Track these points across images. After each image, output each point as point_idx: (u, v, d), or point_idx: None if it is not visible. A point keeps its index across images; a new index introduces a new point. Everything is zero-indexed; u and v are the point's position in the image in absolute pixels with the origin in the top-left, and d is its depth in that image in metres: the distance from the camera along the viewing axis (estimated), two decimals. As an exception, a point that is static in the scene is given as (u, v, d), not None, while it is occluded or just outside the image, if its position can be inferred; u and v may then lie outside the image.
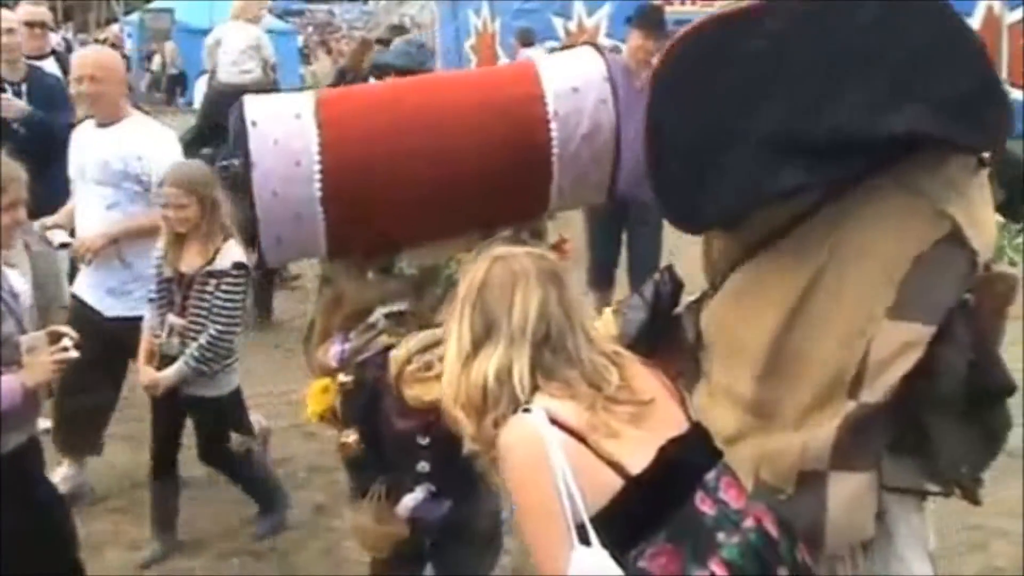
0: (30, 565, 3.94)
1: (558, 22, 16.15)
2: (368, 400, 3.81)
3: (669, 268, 3.67)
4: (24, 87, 6.96)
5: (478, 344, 2.62)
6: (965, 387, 3.07)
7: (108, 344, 5.25)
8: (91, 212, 5.59)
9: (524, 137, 3.81)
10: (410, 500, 3.81)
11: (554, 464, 2.43)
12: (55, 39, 16.43)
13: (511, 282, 2.63)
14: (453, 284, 3.38)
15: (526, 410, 2.52)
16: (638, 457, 2.51)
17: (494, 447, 2.57)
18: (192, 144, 8.62)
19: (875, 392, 3.04)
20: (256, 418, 5.79)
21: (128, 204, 5.57)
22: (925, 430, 3.13)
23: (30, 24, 7.62)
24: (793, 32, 3.06)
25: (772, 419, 3.22)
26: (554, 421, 2.49)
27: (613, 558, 2.42)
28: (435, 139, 3.76)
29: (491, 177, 3.79)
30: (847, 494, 3.09)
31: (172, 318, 5.00)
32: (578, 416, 2.52)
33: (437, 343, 3.39)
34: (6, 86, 6.84)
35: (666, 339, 3.49)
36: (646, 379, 2.71)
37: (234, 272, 4.95)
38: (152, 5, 30.52)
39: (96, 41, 19.05)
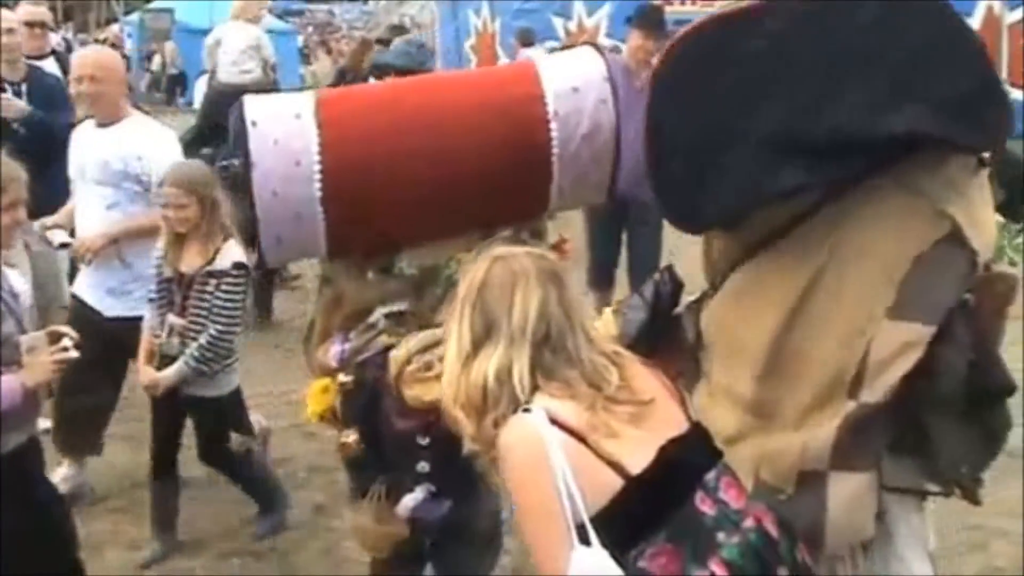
0: (30, 565, 3.94)
1: (558, 22, 16.15)
2: (368, 400, 3.80)
3: (669, 268, 3.67)
4: (24, 87, 6.96)
5: (478, 344, 2.62)
6: (965, 387, 3.06)
7: (108, 344, 5.25)
8: (91, 212, 5.58)
9: (524, 137, 3.81)
10: (410, 500, 3.81)
11: (554, 464, 2.43)
12: (55, 39, 16.43)
13: (511, 282, 2.63)
14: (453, 284, 3.38)
15: (526, 410, 2.52)
16: (638, 457, 2.51)
17: (494, 447, 2.57)
18: (192, 144, 8.63)
19: (875, 392, 3.04)
20: (256, 418, 5.79)
21: (128, 204, 5.56)
22: (925, 430, 3.13)
23: (30, 24, 7.61)
24: (793, 32, 3.06)
25: (772, 419, 3.22)
26: (554, 421, 2.49)
27: (613, 558, 2.42)
28: (435, 139, 3.76)
29: (491, 177, 3.79)
30: (847, 494, 3.08)
31: (172, 318, 4.99)
32: (578, 416, 2.52)
33: (437, 343, 3.38)
34: (6, 86, 6.83)
35: (666, 339, 3.49)
36: (646, 379, 2.71)
37: (234, 272, 4.95)
38: (152, 5, 30.51)
39: (96, 41, 19.06)
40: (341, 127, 3.74)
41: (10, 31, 7.01)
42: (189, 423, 5.34)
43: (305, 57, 28.32)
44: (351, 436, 3.84)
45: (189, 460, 5.47)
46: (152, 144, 5.62)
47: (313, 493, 5.95)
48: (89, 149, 5.61)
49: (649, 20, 7.79)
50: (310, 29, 34.95)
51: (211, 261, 4.96)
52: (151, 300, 5.11)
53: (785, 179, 3.02)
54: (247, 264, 5.03)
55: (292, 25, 31.60)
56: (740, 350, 3.28)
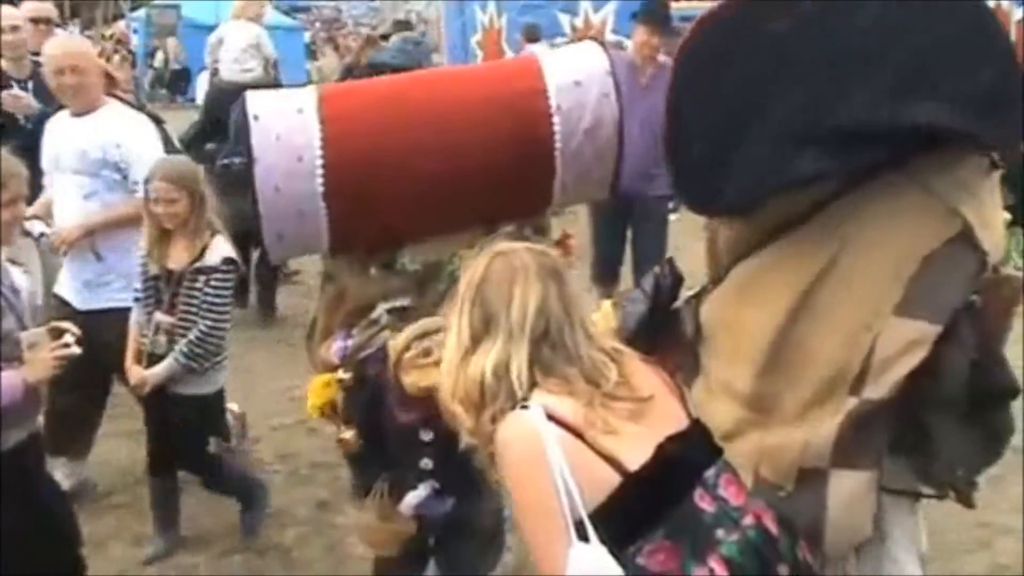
0: (32, 563, 3.94)
1: (564, 18, 16.11)
2: (371, 397, 3.79)
3: (670, 261, 3.66)
4: (30, 84, 6.94)
5: (477, 339, 2.62)
6: (968, 388, 3.06)
7: (87, 339, 5.11)
8: (68, 202, 5.51)
9: (527, 132, 3.80)
10: (413, 497, 3.80)
11: (551, 460, 2.42)
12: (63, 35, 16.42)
13: (510, 278, 2.63)
14: (456, 280, 3.36)
15: (524, 406, 2.52)
16: (636, 453, 2.50)
17: (492, 442, 2.56)
18: (195, 140, 8.63)
19: (879, 389, 3.04)
20: (230, 406, 5.74)
21: (106, 193, 5.49)
22: (926, 430, 3.13)
23: (35, 20, 7.58)
24: (819, 16, 3.04)
25: (771, 414, 3.21)
26: (552, 417, 2.48)
27: (611, 554, 2.42)
28: (438, 134, 3.75)
29: (494, 172, 3.78)
30: (847, 493, 3.08)
31: (160, 316, 4.94)
32: (576, 412, 2.51)
33: (436, 330, 3.38)
34: (12, 83, 6.83)
35: (665, 333, 3.48)
36: (646, 376, 2.70)
37: (223, 268, 4.92)
38: (158, 1, 30.52)
39: (103, 37, 19.06)
40: (344, 122, 3.73)
41: (14, 28, 6.98)
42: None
43: (312, 53, 28.34)
44: (349, 432, 3.83)
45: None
46: (130, 132, 5.57)
47: (316, 489, 5.94)
48: (65, 139, 5.53)
49: (654, 16, 7.77)
50: (317, 25, 35.01)
51: (199, 257, 4.92)
52: (137, 299, 5.05)
53: (805, 165, 3.01)
54: (236, 260, 5.02)
55: (299, 21, 31.63)
56: (742, 342, 3.28)
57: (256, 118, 3.68)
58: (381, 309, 3.83)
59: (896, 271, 3.05)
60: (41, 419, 4.20)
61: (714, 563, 2.48)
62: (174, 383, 4.96)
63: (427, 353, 3.42)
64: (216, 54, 10.99)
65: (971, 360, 3.05)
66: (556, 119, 3.80)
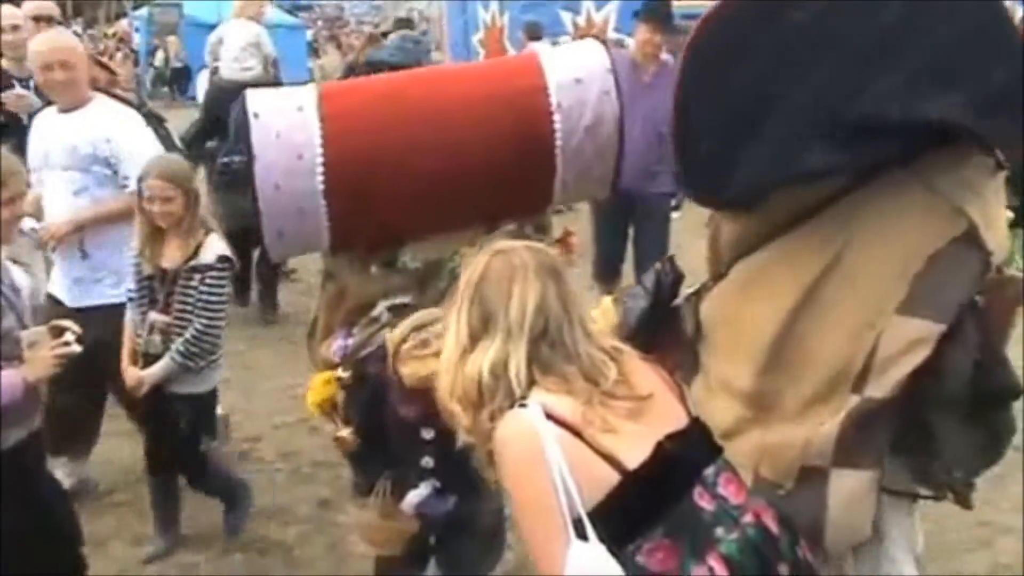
0: (32, 562, 3.93)
1: (566, 16, 16.08)
2: (372, 394, 3.79)
3: (671, 259, 3.66)
4: (31, 83, 6.92)
5: (476, 338, 2.61)
6: (970, 388, 3.05)
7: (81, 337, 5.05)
8: (59, 199, 5.44)
9: (527, 129, 3.80)
10: (415, 496, 3.80)
11: (550, 459, 2.42)
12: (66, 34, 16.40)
13: (509, 276, 2.62)
14: (456, 278, 3.36)
15: (522, 405, 2.51)
16: (635, 452, 2.50)
17: (490, 441, 2.56)
18: (196, 139, 8.63)
19: (881, 387, 3.04)
20: None
21: (96, 189, 5.45)
22: (928, 430, 3.12)
23: (37, 19, 7.56)
24: (835, 9, 3.03)
25: (771, 411, 3.21)
26: (550, 416, 2.48)
27: (610, 553, 2.41)
28: (438, 132, 3.75)
29: (494, 170, 3.78)
30: (848, 492, 3.07)
31: (155, 315, 4.91)
32: (574, 411, 2.50)
33: (433, 322, 3.38)
34: (14, 82, 6.82)
35: (665, 331, 3.47)
36: (645, 374, 2.69)
37: (219, 266, 4.89)
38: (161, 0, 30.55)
39: (105, 36, 19.10)
40: (344, 120, 3.73)
41: (15, 28, 6.96)
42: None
43: (314, 51, 28.34)
44: (347, 431, 3.83)
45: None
46: (119, 127, 5.53)
47: (318, 488, 5.93)
48: (54, 135, 5.48)
49: (656, 14, 7.78)
50: (319, 23, 35.04)
51: (193, 255, 4.88)
52: (131, 299, 5.01)
53: (815, 158, 3.00)
54: (231, 257, 5.00)
55: (301, 19, 31.64)
56: (744, 339, 3.27)
57: (256, 116, 3.68)
58: (382, 307, 3.83)
59: (901, 269, 3.05)
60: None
61: (713, 561, 2.47)
62: (170, 382, 4.93)
63: (424, 344, 3.41)
64: (216, 53, 11.03)
65: (975, 360, 3.05)
66: (557, 116, 3.80)
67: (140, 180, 4.87)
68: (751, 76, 3.07)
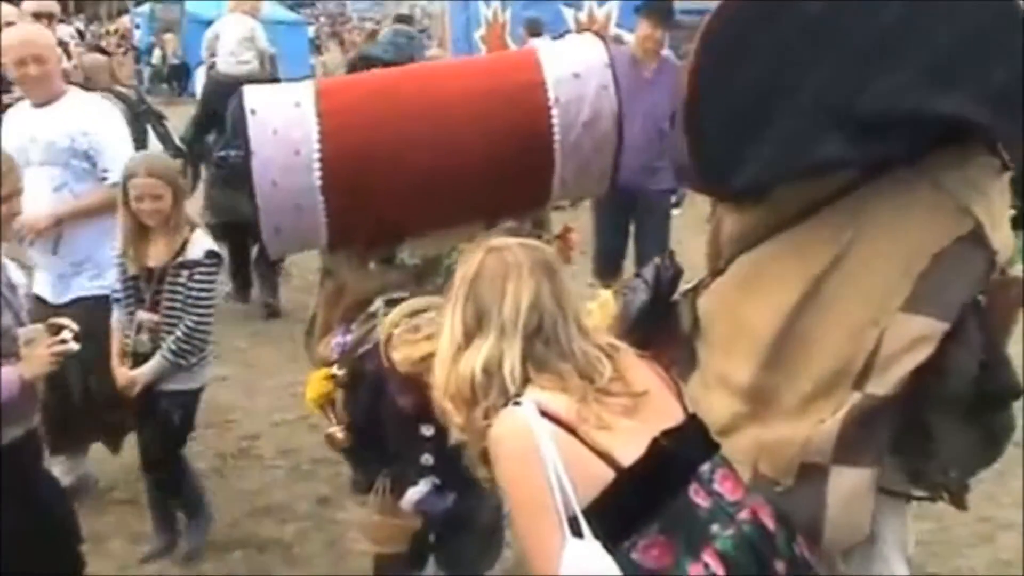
0: (31, 560, 3.92)
1: (568, 12, 16.07)
2: (370, 392, 3.77)
3: (670, 254, 3.66)
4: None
5: (470, 335, 2.61)
6: (973, 388, 3.04)
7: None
8: (39, 196, 5.28)
9: (525, 125, 3.79)
10: (414, 493, 3.79)
11: (545, 456, 2.41)
12: (68, 30, 16.44)
13: (503, 274, 2.62)
14: (453, 274, 3.35)
15: (517, 402, 2.50)
16: (630, 449, 2.49)
17: (484, 439, 2.55)
18: (195, 137, 8.61)
19: (883, 384, 3.03)
20: None
21: (76, 183, 5.43)
22: (926, 430, 3.11)
23: (37, 16, 7.57)
24: (836, 8, 3.02)
25: (769, 407, 3.20)
26: (544, 413, 2.47)
27: (605, 550, 2.40)
28: (437, 127, 3.74)
29: (492, 165, 3.77)
30: (847, 490, 3.06)
31: (142, 314, 4.87)
32: (569, 408, 2.49)
33: (426, 308, 3.37)
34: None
35: (662, 328, 3.46)
36: (641, 371, 2.68)
37: (207, 261, 4.87)
38: (162, -4, 30.54)
39: (106, 32, 19.06)
40: (341, 116, 3.72)
41: (10, 25, 6.95)
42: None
43: (316, 48, 28.35)
44: (338, 428, 3.82)
45: (191, 452, 5.45)
46: (96, 119, 5.51)
47: (318, 485, 5.93)
48: (30, 131, 5.40)
49: (657, 10, 7.78)
50: (321, 20, 35.06)
51: (180, 252, 4.84)
52: (116, 300, 4.97)
53: (825, 150, 3.00)
54: (218, 252, 4.99)
55: (302, 16, 31.62)
56: (745, 334, 3.26)
57: (253, 112, 3.67)
58: (379, 302, 3.81)
59: (905, 267, 3.04)
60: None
61: (709, 558, 2.46)
62: (163, 380, 4.89)
63: (416, 329, 3.39)
64: (213, 48, 11.06)
65: (980, 361, 3.04)
66: (555, 112, 3.78)
67: (126, 179, 4.81)
68: (756, 73, 3.06)
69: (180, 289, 4.82)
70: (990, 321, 3.12)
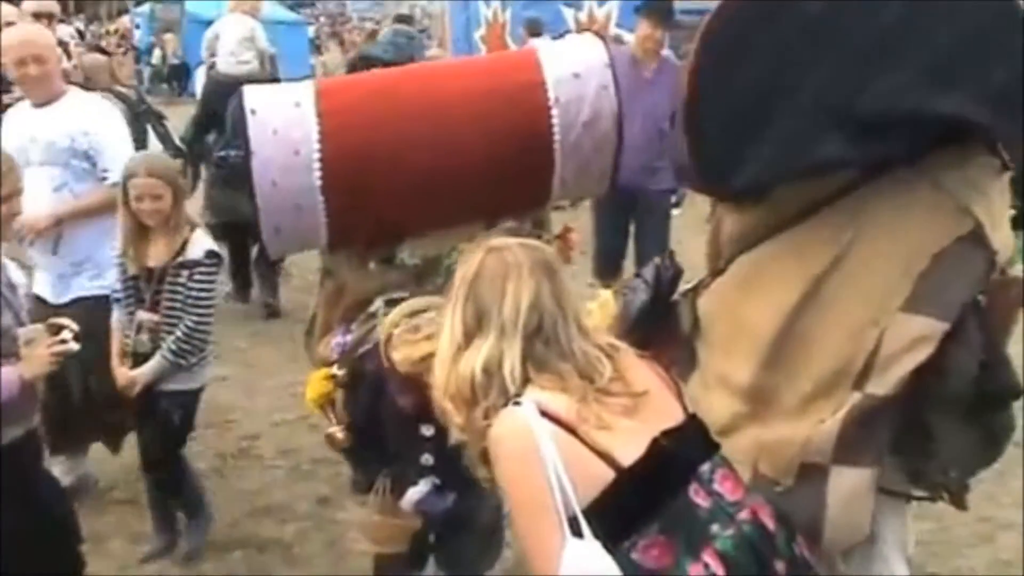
0: (30, 560, 3.92)
1: (568, 13, 16.07)
2: (370, 392, 3.77)
3: (670, 254, 3.66)
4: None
5: (470, 336, 2.61)
6: (974, 388, 3.04)
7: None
8: (40, 196, 5.26)
9: (525, 125, 3.79)
10: (414, 493, 3.78)
11: (545, 457, 2.41)
12: (68, 30, 16.43)
13: (503, 274, 2.62)
14: (453, 274, 3.35)
15: (516, 402, 2.50)
16: (630, 449, 2.49)
17: (484, 439, 2.55)
18: (196, 137, 8.61)
19: (883, 384, 3.03)
20: None
21: (76, 183, 5.41)
22: (926, 430, 3.11)
23: (37, 16, 7.57)
24: (836, 8, 3.02)
25: (768, 406, 3.20)
26: (544, 413, 2.47)
27: (605, 550, 2.40)
28: (437, 127, 3.74)
29: (492, 165, 3.76)
30: (847, 490, 3.06)
31: (143, 314, 4.86)
32: (569, 408, 2.49)
33: (426, 308, 3.36)
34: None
35: (662, 328, 3.46)
36: (641, 371, 2.68)
37: (207, 261, 4.86)
38: (162, -4, 30.51)
39: (106, 32, 19.06)
40: (341, 116, 3.72)
41: (9, 25, 6.94)
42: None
43: (316, 48, 28.34)
44: (337, 428, 3.82)
45: (191, 452, 5.44)
46: (96, 119, 5.50)
47: (318, 485, 5.93)
48: (29, 131, 5.38)
49: (657, 10, 7.78)
50: (321, 20, 35.06)
51: (180, 252, 4.83)
52: (116, 300, 4.96)
53: (825, 150, 3.00)
54: (218, 252, 4.99)
55: (302, 16, 31.62)
56: (745, 334, 3.26)
57: (253, 112, 3.67)
58: (379, 302, 3.81)
59: (906, 267, 3.04)
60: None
61: (709, 558, 2.46)
62: (163, 380, 4.89)
63: (416, 329, 3.39)
64: (213, 48, 11.07)
65: (980, 361, 3.04)
66: (555, 112, 3.78)
67: (126, 179, 4.80)
68: (756, 73, 3.06)
69: (180, 289, 4.81)
70: (990, 321, 3.12)
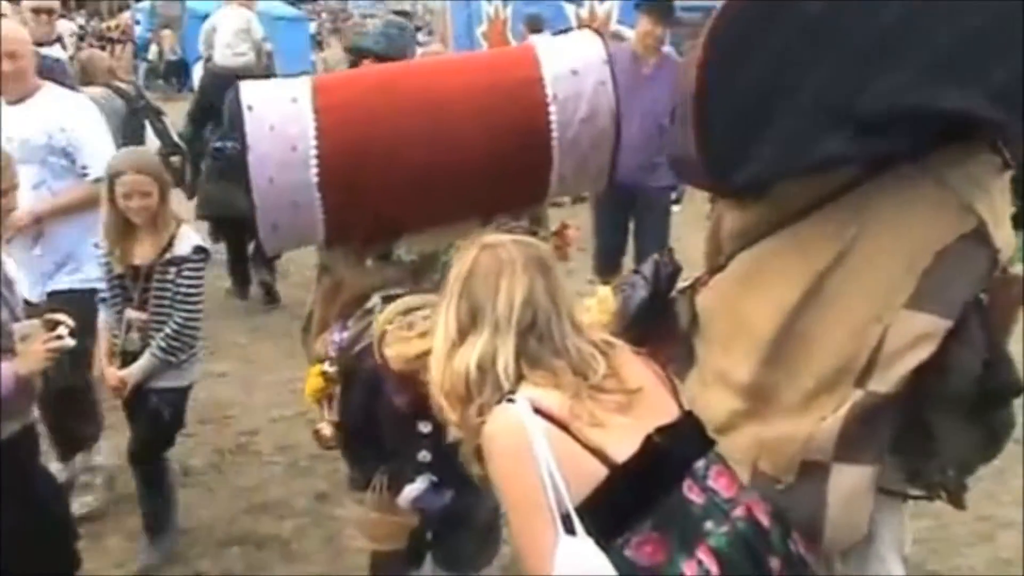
0: (27, 556, 3.92)
1: (570, 9, 16.07)
2: (367, 388, 3.76)
3: (669, 251, 3.65)
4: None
5: (464, 332, 2.61)
6: (976, 386, 3.03)
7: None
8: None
9: (523, 121, 3.77)
10: (411, 490, 3.77)
11: (538, 454, 2.41)
12: (71, 26, 16.42)
13: (497, 270, 2.62)
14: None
15: (510, 399, 2.50)
16: (623, 445, 2.49)
17: (479, 436, 2.55)
18: (194, 133, 8.61)
19: (885, 382, 3.03)
20: None
21: (54, 181, 5.34)
22: (927, 429, 3.11)
23: (36, 11, 7.54)
24: (836, 8, 3.02)
25: (768, 404, 3.19)
26: (538, 410, 2.47)
27: (599, 546, 2.40)
28: (434, 124, 3.73)
29: (489, 162, 3.75)
30: (848, 488, 3.06)
31: (131, 313, 4.83)
32: (562, 405, 2.50)
33: (422, 305, 3.36)
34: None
35: (659, 325, 3.46)
36: (636, 368, 2.68)
37: (195, 257, 4.84)
38: (162, -9, 30.46)
39: (107, 28, 19.11)
40: (339, 112, 3.70)
41: None
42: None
43: (318, 44, 28.29)
44: (325, 424, 3.81)
45: (188, 449, 5.44)
46: (72, 114, 5.42)
47: (315, 481, 5.92)
48: (4, 129, 5.21)
49: (658, 7, 7.77)
50: (323, 16, 35.01)
51: (167, 249, 4.81)
52: (103, 300, 4.93)
53: (828, 147, 2.99)
54: (206, 248, 4.97)
55: (303, 12, 31.57)
56: (744, 331, 3.26)
57: (250, 108, 3.65)
58: (376, 298, 3.80)
59: (909, 264, 3.04)
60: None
61: (703, 555, 2.46)
62: (153, 378, 4.87)
63: (410, 326, 3.38)
64: (210, 40, 11.04)
65: (983, 359, 3.03)
66: (553, 108, 3.76)
67: (113, 176, 4.75)
68: (757, 73, 3.05)
69: (168, 286, 4.79)
70: (991, 319, 3.11)
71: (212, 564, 5.15)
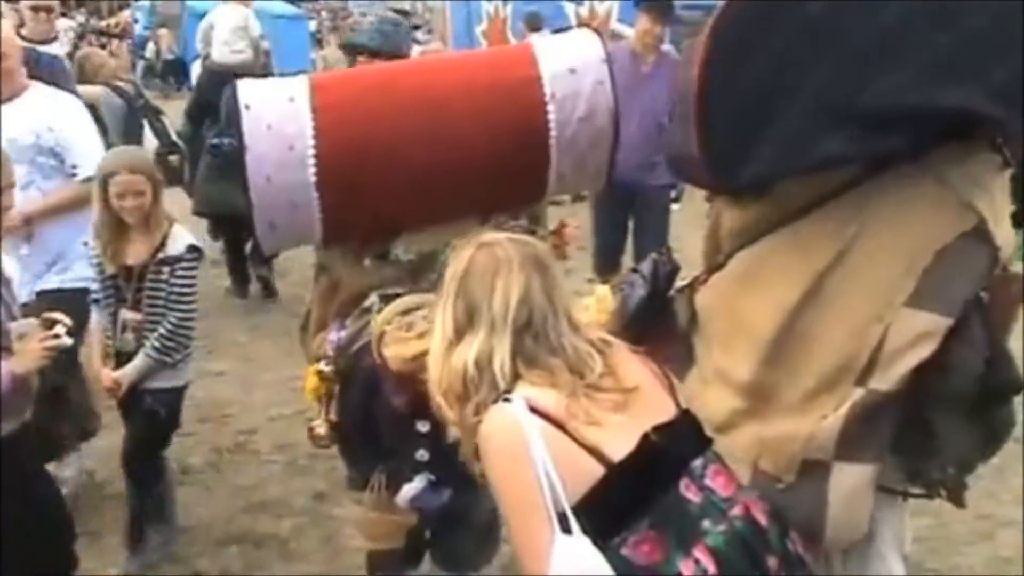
0: (25, 555, 3.91)
1: (569, 7, 16.05)
2: (366, 388, 3.76)
3: (668, 249, 3.65)
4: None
5: (461, 331, 2.61)
6: (977, 384, 3.03)
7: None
8: None
9: (521, 120, 3.76)
10: (410, 489, 3.77)
11: (534, 453, 2.41)
12: (69, 24, 16.41)
13: (493, 269, 2.62)
14: (448, 269, 3.34)
15: (506, 398, 2.50)
16: (620, 444, 2.49)
17: (476, 435, 2.55)
18: (193, 132, 8.60)
19: (886, 380, 3.02)
20: None
21: (43, 181, 5.30)
22: (928, 427, 3.10)
23: (36, 9, 7.54)
24: (836, 8, 3.00)
25: (768, 403, 3.19)
26: (534, 409, 2.47)
27: (595, 546, 2.40)
28: (433, 122, 3.72)
29: (487, 161, 3.75)
30: (848, 487, 3.05)
31: (125, 313, 4.81)
32: (558, 404, 2.49)
33: (420, 305, 3.35)
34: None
35: (658, 324, 3.45)
36: (633, 366, 2.68)
37: (188, 256, 4.81)
38: (163, -11, 30.44)
39: (107, 27, 19.10)
40: (336, 111, 3.70)
41: None
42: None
43: (318, 42, 28.27)
44: (319, 422, 3.81)
45: (187, 447, 5.43)
46: (60, 113, 5.38)
47: (314, 480, 5.92)
48: None
49: (657, 6, 7.76)
50: (323, 14, 34.99)
51: (160, 249, 4.78)
52: (95, 301, 4.90)
53: (828, 147, 2.98)
54: (199, 247, 4.95)
55: (303, 10, 31.56)
56: (744, 330, 3.25)
57: (247, 107, 3.64)
58: (374, 297, 3.79)
59: (910, 263, 3.03)
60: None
61: (700, 554, 2.45)
62: (148, 379, 4.85)
63: (409, 327, 3.38)
64: (208, 38, 11.06)
65: (985, 357, 3.03)
66: (551, 107, 3.75)
67: (106, 176, 4.72)
68: (757, 73, 3.04)
69: (162, 286, 4.77)
70: (991, 317, 3.11)
71: (210, 563, 5.15)
